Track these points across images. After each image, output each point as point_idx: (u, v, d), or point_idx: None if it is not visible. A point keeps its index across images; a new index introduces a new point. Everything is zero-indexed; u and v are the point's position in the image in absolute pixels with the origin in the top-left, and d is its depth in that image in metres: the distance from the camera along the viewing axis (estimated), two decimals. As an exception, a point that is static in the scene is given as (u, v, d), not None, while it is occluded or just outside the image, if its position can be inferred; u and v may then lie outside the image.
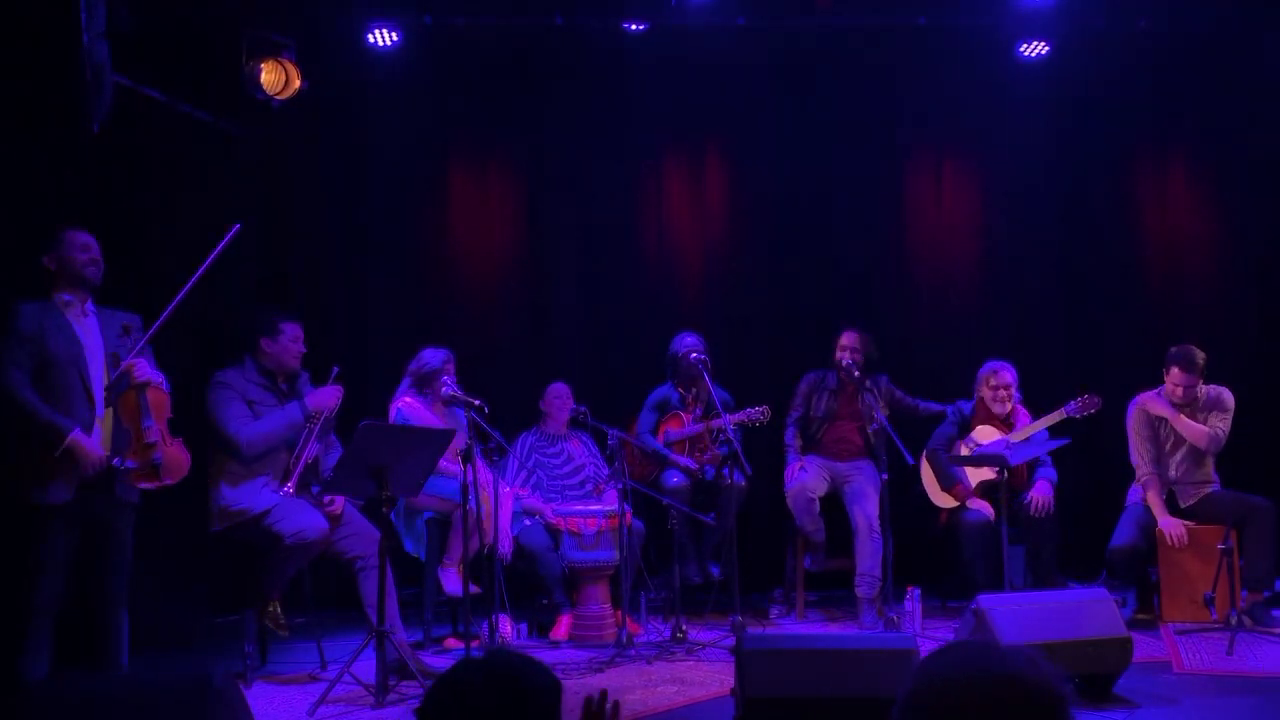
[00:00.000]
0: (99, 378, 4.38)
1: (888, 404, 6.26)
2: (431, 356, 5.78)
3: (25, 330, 4.24)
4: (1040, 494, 5.90)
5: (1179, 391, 5.84)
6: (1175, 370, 5.83)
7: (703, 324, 6.69)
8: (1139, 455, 5.98)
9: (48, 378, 4.26)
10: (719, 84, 7.12)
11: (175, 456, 4.48)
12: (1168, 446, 5.96)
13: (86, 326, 4.43)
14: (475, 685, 1.77)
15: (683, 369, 6.30)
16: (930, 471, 6.21)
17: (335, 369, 5.25)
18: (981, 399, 6.23)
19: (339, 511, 5.12)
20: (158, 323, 4.52)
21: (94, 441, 4.26)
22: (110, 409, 4.39)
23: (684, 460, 6.30)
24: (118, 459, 4.36)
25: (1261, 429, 6.38)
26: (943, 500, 6.16)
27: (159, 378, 4.49)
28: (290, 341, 5.19)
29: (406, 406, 5.71)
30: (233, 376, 5.10)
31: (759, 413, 6.17)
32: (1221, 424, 5.86)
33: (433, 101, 7.00)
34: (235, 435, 4.95)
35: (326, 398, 5.17)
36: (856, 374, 6.14)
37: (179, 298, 4.59)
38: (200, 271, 4.66)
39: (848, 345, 6.29)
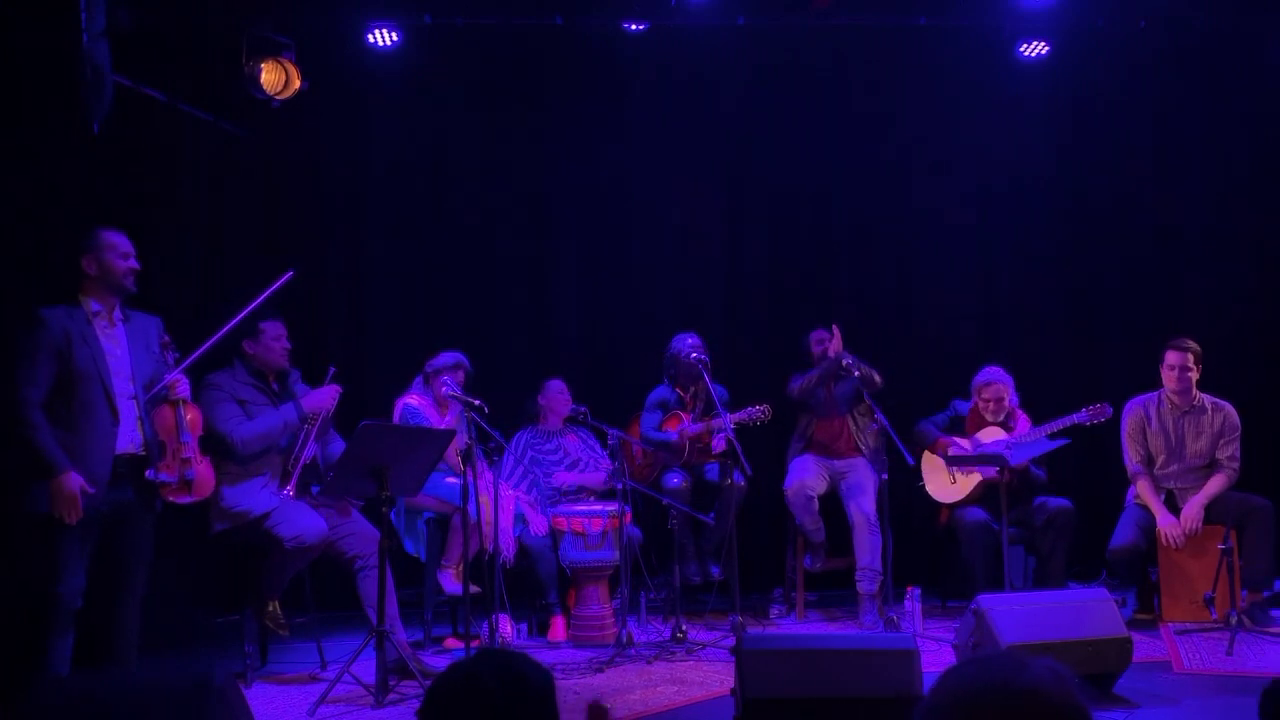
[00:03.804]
0: (124, 389, 4.33)
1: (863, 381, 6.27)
2: (444, 355, 5.79)
3: (50, 344, 4.14)
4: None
5: (1173, 375, 5.87)
6: (1168, 353, 5.90)
7: (703, 324, 6.69)
8: (1130, 454, 6.01)
9: (70, 391, 4.18)
10: (719, 83, 7.12)
11: (204, 474, 4.56)
12: (1166, 454, 5.97)
13: (114, 336, 4.34)
14: (477, 676, 1.80)
15: (683, 368, 6.30)
16: (930, 469, 6.20)
17: (331, 369, 5.24)
18: (976, 407, 6.23)
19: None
20: (198, 351, 4.60)
21: (78, 482, 4.11)
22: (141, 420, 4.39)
23: (676, 434, 6.30)
24: (151, 471, 4.38)
25: (1262, 429, 6.37)
26: (943, 496, 6.15)
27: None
28: (272, 340, 5.16)
29: (409, 406, 5.72)
30: (222, 379, 5.07)
31: (759, 411, 6.14)
32: (1230, 452, 5.87)
33: (433, 101, 6.99)
34: (230, 434, 4.93)
35: (323, 399, 5.14)
36: (846, 361, 6.12)
37: (223, 332, 4.71)
38: (247, 310, 4.78)
39: (821, 339, 6.40)
